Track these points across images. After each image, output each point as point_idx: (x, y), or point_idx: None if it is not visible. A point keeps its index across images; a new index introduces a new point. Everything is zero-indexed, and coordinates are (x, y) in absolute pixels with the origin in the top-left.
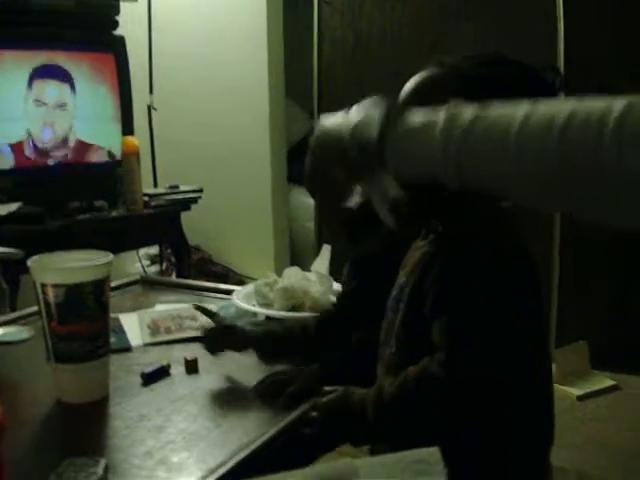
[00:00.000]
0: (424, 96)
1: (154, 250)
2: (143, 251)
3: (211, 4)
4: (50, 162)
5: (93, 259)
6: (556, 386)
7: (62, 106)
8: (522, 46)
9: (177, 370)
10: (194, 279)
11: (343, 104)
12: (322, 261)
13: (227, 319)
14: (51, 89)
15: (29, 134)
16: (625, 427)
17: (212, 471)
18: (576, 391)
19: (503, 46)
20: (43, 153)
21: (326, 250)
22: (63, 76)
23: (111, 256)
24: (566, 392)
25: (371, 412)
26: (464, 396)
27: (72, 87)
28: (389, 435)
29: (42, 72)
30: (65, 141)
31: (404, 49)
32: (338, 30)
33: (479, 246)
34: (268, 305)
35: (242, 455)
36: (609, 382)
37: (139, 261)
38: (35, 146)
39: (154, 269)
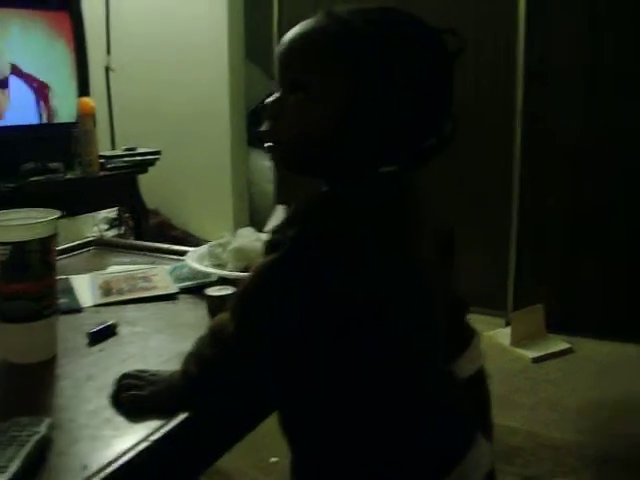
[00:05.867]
0: (314, 49)
1: (113, 214)
2: (102, 215)
3: None
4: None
5: (39, 217)
6: (511, 348)
7: None
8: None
9: (127, 330)
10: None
11: None
12: (276, 221)
13: None
14: None
15: None
16: (577, 388)
17: (157, 429)
18: (531, 353)
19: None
20: None
21: (280, 210)
22: None
23: (58, 213)
24: (521, 354)
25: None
26: (248, 345)
27: None
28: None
29: None
30: None
31: None
32: None
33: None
34: (221, 266)
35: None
36: (564, 345)
37: (97, 225)
38: None
39: (113, 233)
